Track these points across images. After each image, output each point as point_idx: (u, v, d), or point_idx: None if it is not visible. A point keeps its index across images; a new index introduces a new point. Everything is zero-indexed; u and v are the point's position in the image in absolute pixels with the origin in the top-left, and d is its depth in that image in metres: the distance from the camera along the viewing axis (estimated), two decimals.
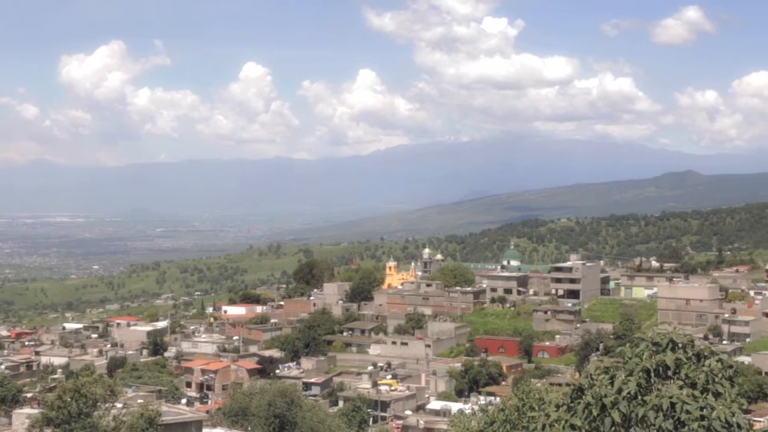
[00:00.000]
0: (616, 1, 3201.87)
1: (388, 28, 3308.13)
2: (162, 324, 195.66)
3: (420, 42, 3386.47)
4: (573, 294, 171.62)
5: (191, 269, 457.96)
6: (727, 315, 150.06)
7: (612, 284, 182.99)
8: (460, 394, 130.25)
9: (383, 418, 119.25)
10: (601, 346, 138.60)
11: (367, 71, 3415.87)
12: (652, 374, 13.43)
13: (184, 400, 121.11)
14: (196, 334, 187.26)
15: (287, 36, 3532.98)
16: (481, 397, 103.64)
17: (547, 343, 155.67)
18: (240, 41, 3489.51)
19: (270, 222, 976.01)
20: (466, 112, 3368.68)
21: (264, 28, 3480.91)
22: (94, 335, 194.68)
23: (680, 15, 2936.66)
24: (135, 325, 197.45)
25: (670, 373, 13.45)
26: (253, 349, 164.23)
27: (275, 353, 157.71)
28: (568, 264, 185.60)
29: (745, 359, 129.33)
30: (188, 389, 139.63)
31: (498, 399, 74.86)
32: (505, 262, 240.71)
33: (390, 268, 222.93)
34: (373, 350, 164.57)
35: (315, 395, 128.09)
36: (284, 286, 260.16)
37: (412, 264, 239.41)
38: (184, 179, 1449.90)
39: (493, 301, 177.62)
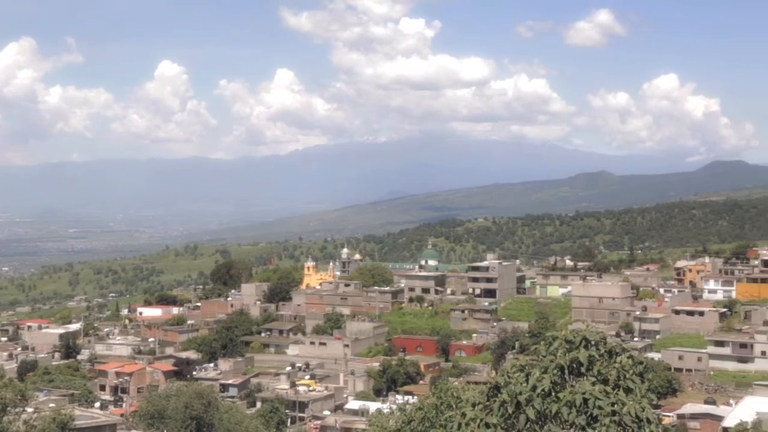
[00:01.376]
0: (530, 3, 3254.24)
1: (305, 27, 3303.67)
2: (75, 326, 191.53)
3: (337, 42, 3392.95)
4: (490, 293, 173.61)
5: (105, 270, 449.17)
6: (638, 312, 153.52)
7: (528, 283, 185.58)
8: (378, 393, 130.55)
9: (301, 419, 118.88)
10: (517, 345, 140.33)
11: (284, 71, 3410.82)
12: (566, 371, 13.66)
13: (97, 404, 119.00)
14: (111, 337, 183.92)
15: (203, 34, 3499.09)
16: (399, 397, 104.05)
17: (464, 342, 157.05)
18: (155, 39, 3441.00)
19: (187, 222, 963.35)
20: (383, 113, 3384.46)
21: (179, 27, 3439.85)
22: (4, 338, 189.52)
23: (592, 18, 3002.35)
24: (47, 327, 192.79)
25: (583, 369, 13.69)
26: (169, 350, 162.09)
27: (192, 355, 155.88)
28: (484, 263, 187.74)
29: (655, 355, 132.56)
30: (102, 392, 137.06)
31: (416, 398, 75.21)
32: (422, 262, 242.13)
33: (308, 268, 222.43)
34: (292, 351, 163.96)
35: (232, 396, 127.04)
36: (201, 286, 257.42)
37: (331, 264, 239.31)
38: (97, 179, 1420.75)
39: (411, 300, 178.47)
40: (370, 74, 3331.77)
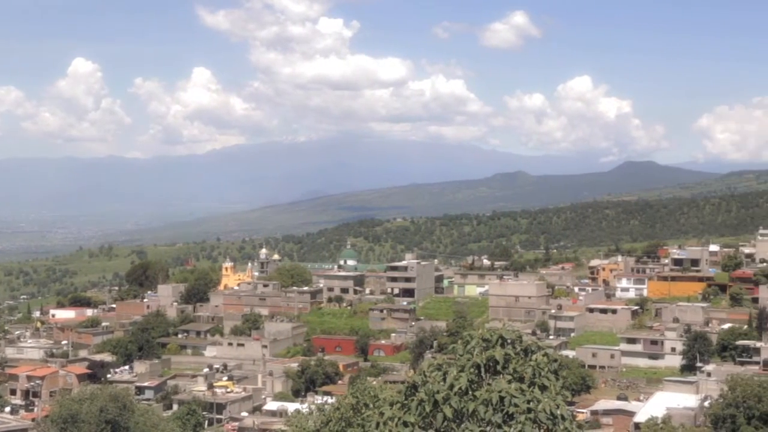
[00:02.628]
0: (446, 4, 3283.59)
1: (222, 26, 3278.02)
2: None
3: (255, 41, 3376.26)
4: (408, 292, 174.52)
5: (16, 272, 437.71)
6: (553, 311, 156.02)
7: (446, 282, 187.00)
8: (296, 394, 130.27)
9: (219, 421, 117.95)
10: (435, 344, 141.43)
11: (201, 69, 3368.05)
12: (483, 370, 13.81)
13: (8, 408, 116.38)
14: (22, 340, 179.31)
15: (117, 32, 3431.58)
16: (318, 397, 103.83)
17: (383, 342, 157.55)
18: (68, 36, 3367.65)
19: (101, 223, 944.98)
20: (302, 112, 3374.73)
21: (93, 23, 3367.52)
22: None
23: (508, 19, 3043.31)
24: None
25: (499, 368, 13.87)
26: (83, 353, 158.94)
27: (107, 357, 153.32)
28: (403, 263, 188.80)
29: (570, 353, 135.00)
30: (13, 397, 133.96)
31: (334, 398, 75.22)
32: (341, 262, 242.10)
33: (226, 268, 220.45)
34: (209, 352, 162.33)
35: (148, 399, 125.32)
36: (116, 288, 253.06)
37: (249, 264, 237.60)
38: (8, 178, 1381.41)
39: (330, 300, 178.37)
40: (289, 74, 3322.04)
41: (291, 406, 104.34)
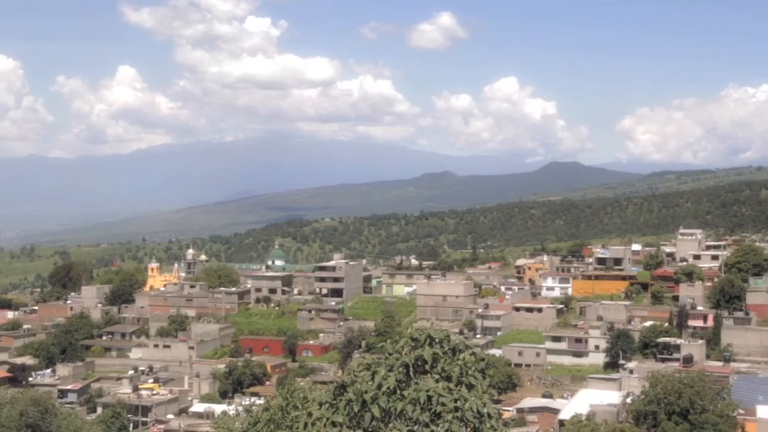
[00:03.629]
0: (374, 4, 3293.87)
1: (147, 24, 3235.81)
2: None
3: (180, 39, 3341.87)
4: (336, 292, 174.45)
5: None
6: (480, 310, 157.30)
7: (374, 282, 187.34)
8: (224, 395, 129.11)
9: (144, 423, 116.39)
10: (363, 343, 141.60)
11: (126, 68, 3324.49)
12: (411, 369, 13.90)
13: None
14: None
15: (38, 28, 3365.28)
16: (245, 398, 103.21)
17: (311, 342, 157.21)
18: None
19: (23, 223, 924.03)
20: (230, 112, 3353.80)
21: (13, 19, 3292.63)
22: None
23: (435, 20, 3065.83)
24: None
25: (427, 367, 13.97)
26: (3, 356, 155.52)
27: (28, 360, 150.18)
28: (331, 263, 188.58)
29: (497, 352, 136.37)
30: None
31: (262, 399, 74.82)
32: (269, 262, 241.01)
33: (152, 269, 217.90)
34: (135, 354, 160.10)
35: (71, 402, 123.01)
36: (38, 289, 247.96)
37: (176, 265, 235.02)
38: None
39: (257, 301, 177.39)
40: (215, 72, 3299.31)
41: (218, 408, 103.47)
